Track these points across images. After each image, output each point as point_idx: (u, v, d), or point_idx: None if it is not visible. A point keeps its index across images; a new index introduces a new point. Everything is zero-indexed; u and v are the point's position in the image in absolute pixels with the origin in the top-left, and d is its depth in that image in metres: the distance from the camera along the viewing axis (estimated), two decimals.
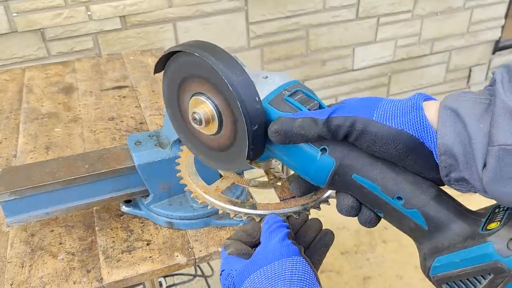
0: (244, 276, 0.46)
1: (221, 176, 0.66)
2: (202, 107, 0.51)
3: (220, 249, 0.78)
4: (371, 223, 0.49)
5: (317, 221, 0.58)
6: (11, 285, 0.71)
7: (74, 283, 0.72)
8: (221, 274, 0.51)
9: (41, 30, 1.65)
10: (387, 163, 0.46)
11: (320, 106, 0.50)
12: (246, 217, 0.59)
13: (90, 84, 1.33)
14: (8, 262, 0.75)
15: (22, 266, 0.75)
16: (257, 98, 0.47)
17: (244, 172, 0.84)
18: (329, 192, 0.61)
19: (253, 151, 0.49)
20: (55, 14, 1.64)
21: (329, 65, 2.29)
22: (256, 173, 1.97)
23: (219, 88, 0.48)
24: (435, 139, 0.42)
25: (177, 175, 0.66)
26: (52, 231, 0.82)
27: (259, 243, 0.53)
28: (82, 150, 1.02)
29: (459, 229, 0.43)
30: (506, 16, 2.60)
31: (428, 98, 0.45)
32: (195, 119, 0.52)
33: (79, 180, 0.76)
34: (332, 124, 0.44)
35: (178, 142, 0.77)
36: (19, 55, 1.67)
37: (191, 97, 0.52)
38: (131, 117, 1.15)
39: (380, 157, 0.45)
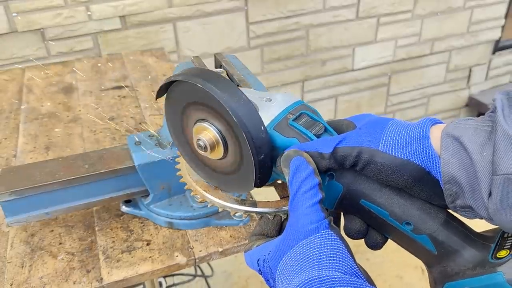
0: (278, 257, 0.45)
1: None
2: (206, 133, 0.51)
3: (220, 249, 0.77)
4: (378, 246, 0.49)
5: None
6: (11, 285, 0.71)
7: (74, 283, 0.72)
8: (258, 265, 0.49)
9: (41, 30, 1.65)
10: (395, 189, 0.46)
11: (326, 129, 0.50)
12: (246, 215, 0.59)
13: (90, 84, 1.33)
14: (8, 262, 0.75)
15: (22, 266, 0.75)
16: (262, 128, 0.47)
17: None
18: None
19: (260, 179, 0.49)
20: (55, 14, 1.64)
21: (329, 65, 2.28)
22: None
23: (223, 116, 0.48)
24: (439, 169, 0.42)
25: (177, 173, 0.66)
26: (52, 231, 0.82)
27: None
28: (82, 150, 1.02)
29: (468, 255, 0.43)
30: (506, 16, 2.60)
31: (435, 122, 0.45)
32: (200, 146, 0.52)
33: (79, 180, 0.76)
34: (338, 155, 0.45)
35: None
36: (19, 55, 1.67)
37: (194, 124, 0.52)
38: (131, 117, 1.15)
39: (387, 186, 0.45)
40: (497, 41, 2.68)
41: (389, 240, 0.50)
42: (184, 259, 0.76)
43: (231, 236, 0.80)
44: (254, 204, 0.59)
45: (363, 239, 0.49)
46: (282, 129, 0.49)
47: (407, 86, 2.59)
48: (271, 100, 0.51)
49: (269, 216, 0.57)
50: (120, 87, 1.31)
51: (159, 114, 1.16)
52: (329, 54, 2.25)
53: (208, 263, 1.78)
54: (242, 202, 0.59)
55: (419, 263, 0.48)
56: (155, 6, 1.77)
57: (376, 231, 0.48)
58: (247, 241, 0.53)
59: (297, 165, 0.46)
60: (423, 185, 0.43)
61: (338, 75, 2.34)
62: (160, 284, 1.69)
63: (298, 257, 0.43)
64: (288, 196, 0.60)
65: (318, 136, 0.49)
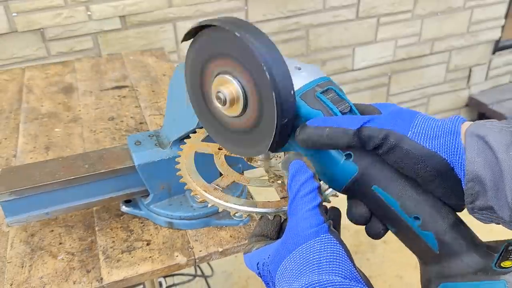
0: (277, 263, 0.45)
1: (221, 174, 0.66)
2: (228, 86, 0.49)
3: (220, 249, 0.77)
4: (379, 236, 0.48)
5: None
6: (11, 285, 0.71)
7: (74, 283, 0.72)
8: (258, 268, 0.49)
9: (41, 30, 1.65)
10: (410, 181, 0.45)
11: (351, 109, 0.49)
12: (246, 215, 0.59)
13: (90, 84, 1.33)
14: (8, 262, 0.75)
15: (22, 266, 0.75)
16: (292, 92, 0.45)
17: (244, 171, 0.84)
18: (330, 190, 0.61)
19: (277, 143, 0.48)
20: (55, 14, 1.64)
21: (329, 65, 2.28)
22: (256, 172, 1.97)
23: (252, 72, 0.46)
24: (464, 167, 0.41)
25: (177, 173, 0.66)
26: (52, 231, 0.82)
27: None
28: (82, 150, 1.02)
29: (471, 260, 0.43)
30: (506, 16, 2.60)
31: (464, 121, 0.44)
32: (219, 98, 0.50)
33: (79, 180, 0.76)
34: (364, 134, 0.44)
35: (178, 142, 0.77)
36: (19, 55, 1.67)
37: (216, 76, 0.50)
38: (131, 117, 1.15)
39: (405, 174, 0.45)
40: (497, 41, 2.69)
41: (389, 241, 0.50)
42: (184, 259, 0.76)
43: (231, 236, 0.80)
44: (254, 204, 0.59)
45: (364, 227, 0.49)
46: (309, 99, 0.48)
47: (407, 86, 2.59)
48: (300, 69, 0.50)
49: (269, 216, 0.57)
50: (120, 87, 1.31)
51: (159, 114, 1.16)
52: (329, 54, 2.25)
53: (208, 263, 1.78)
54: (242, 202, 0.60)
55: (420, 282, 0.47)
56: (155, 6, 1.77)
57: (378, 220, 0.47)
58: (246, 242, 0.52)
59: (297, 168, 0.45)
60: (443, 181, 0.43)
61: (338, 75, 2.34)
62: (160, 284, 1.69)
63: (298, 261, 0.42)
64: (288, 197, 0.60)
65: (343, 114, 0.48)
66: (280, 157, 0.69)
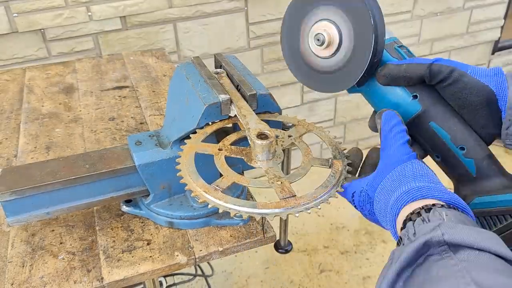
0: (375, 185, 0.55)
1: (221, 175, 0.66)
2: (327, 29, 0.60)
3: (220, 249, 0.78)
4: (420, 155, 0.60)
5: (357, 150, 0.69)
6: (11, 284, 0.72)
7: (75, 283, 0.72)
8: (352, 197, 0.59)
9: (42, 30, 1.66)
10: (460, 119, 0.58)
11: None
12: (246, 216, 0.60)
13: (91, 84, 1.34)
14: (8, 262, 0.76)
15: (23, 266, 0.75)
16: (384, 38, 0.58)
17: (244, 171, 0.84)
18: (331, 191, 0.62)
19: (363, 78, 0.60)
20: (55, 14, 1.65)
21: None
22: (256, 172, 1.97)
23: (353, 18, 0.58)
24: (507, 99, 0.54)
25: (177, 174, 0.67)
26: (53, 230, 0.82)
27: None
28: (82, 150, 1.03)
29: (500, 181, 0.56)
30: (505, 17, 2.61)
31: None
32: (318, 40, 0.61)
33: (79, 180, 0.76)
34: (435, 68, 0.56)
35: (178, 142, 0.77)
36: (20, 55, 1.67)
37: (317, 21, 0.62)
38: (132, 117, 1.16)
39: (459, 107, 0.57)
40: (497, 42, 2.69)
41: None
42: (185, 258, 0.76)
43: (231, 236, 0.80)
44: (254, 205, 0.60)
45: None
46: (390, 49, 0.62)
47: None
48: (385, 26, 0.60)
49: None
50: (120, 87, 1.31)
51: (159, 114, 1.17)
52: None
53: (208, 263, 1.79)
54: (242, 203, 0.60)
55: None
56: (155, 7, 1.78)
57: (423, 149, 0.60)
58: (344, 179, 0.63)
59: (388, 115, 0.58)
60: (489, 109, 0.56)
61: None
62: (161, 283, 1.69)
63: (395, 178, 0.53)
64: (288, 197, 0.61)
65: None
66: (280, 158, 0.69)
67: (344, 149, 0.71)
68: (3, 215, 0.77)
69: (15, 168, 0.80)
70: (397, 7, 2.26)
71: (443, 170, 0.60)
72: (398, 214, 0.50)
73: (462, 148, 0.57)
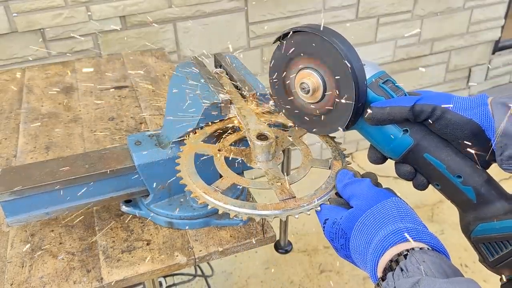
0: (353, 221, 0.55)
1: (221, 176, 0.66)
2: (310, 78, 0.63)
3: (220, 249, 0.78)
4: (424, 186, 0.61)
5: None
6: (11, 284, 0.72)
7: (74, 283, 0.72)
8: (324, 223, 0.59)
9: (41, 30, 1.66)
10: (453, 149, 0.58)
11: (405, 95, 0.62)
12: (246, 217, 0.60)
13: (90, 84, 1.33)
14: (8, 262, 0.76)
15: (22, 266, 0.75)
16: (365, 82, 0.60)
17: (243, 172, 0.84)
18: (330, 193, 0.62)
19: (352, 122, 0.62)
20: (55, 14, 1.64)
21: None
22: (256, 173, 1.97)
23: (334, 67, 0.60)
24: (493, 128, 0.54)
25: (177, 175, 0.66)
26: (52, 231, 0.82)
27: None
28: (82, 150, 1.03)
29: (501, 206, 0.56)
30: (505, 16, 2.61)
31: (488, 96, 0.58)
32: (303, 89, 0.64)
33: (79, 180, 0.76)
34: (417, 109, 0.57)
35: (178, 142, 0.77)
36: (19, 55, 1.67)
37: (299, 70, 0.64)
38: (131, 117, 1.16)
39: (448, 140, 0.58)
40: (497, 41, 2.69)
41: None
42: (184, 258, 0.76)
43: (231, 236, 0.80)
44: (254, 206, 0.60)
45: (411, 182, 0.62)
46: (374, 88, 0.62)
47: (407, 86, 2.57)
48: (365, 64, 0.62)
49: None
50: (120, 87, 1.31)
51: (159, 114, 1.16)
52: None
53: (208, 263, 1.78)
54: (242, 204, 0.60)
55: (460, 227, 0.61)
56: (155, 7, 1.77)
57: (423, 177, 0.61)
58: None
59: (343, 173, 0.62)
60: (477, 140, 0.56)
61: None
62: (160, 284, 1.69)
63: (376, 216, 0.53)
64: (287, 198, 0.61)
65: None
66: (279, 159, 0.69)
67: (344, 150, 0.71)
68: (3, 215, 0.77)
69: (14, 168, 0.79)
70: (397, 7, 2.25)
71: (446, 198, 0.61)
72: (382, 255, 0.50)
73: (459, 177, 0.57)
